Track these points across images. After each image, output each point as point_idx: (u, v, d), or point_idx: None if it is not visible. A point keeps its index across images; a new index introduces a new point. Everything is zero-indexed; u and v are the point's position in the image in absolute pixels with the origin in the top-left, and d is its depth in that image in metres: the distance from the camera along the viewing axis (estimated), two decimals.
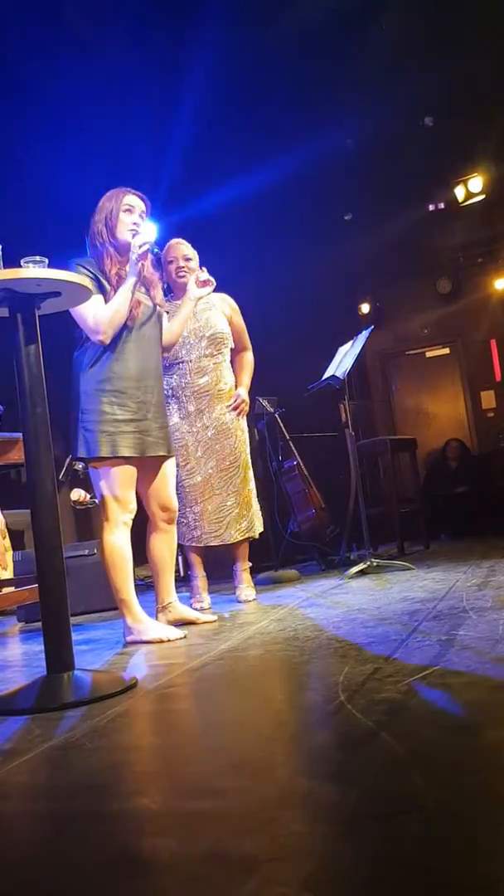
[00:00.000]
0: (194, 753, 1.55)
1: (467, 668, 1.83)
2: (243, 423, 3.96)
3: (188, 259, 3.83)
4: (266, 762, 1.40)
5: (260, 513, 4.00)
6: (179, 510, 3.76)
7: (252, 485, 3.97)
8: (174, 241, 3.91)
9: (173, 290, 3.86)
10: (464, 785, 1.18)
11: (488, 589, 3.10)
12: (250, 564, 4.03)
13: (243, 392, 3.96)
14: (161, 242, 3.53)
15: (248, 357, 4.11)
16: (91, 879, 1.03)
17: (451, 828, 1.04)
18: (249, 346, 4.12)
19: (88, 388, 2.97)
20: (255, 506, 3.96)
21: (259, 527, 3.96)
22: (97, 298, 2.94)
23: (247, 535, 3.90)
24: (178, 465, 3.69)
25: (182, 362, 3.82)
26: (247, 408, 3.98)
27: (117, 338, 3.00)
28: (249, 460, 3.98)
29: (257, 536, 3.98)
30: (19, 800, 1.40)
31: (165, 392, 3.69)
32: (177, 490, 3.69)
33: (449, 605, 2.79)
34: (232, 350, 4.01)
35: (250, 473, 3.97)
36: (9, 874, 1.08)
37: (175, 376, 3.83)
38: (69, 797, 1.36)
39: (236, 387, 3.99)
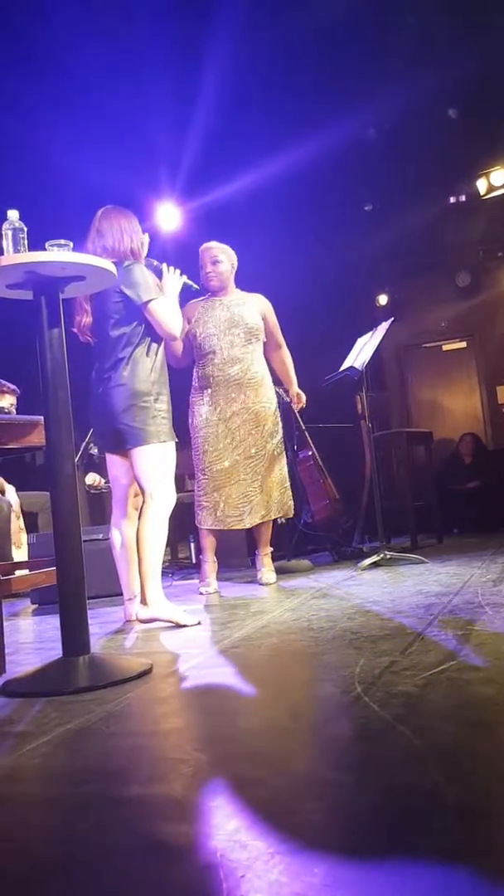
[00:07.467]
0: (210, 741, 1.55)
1: (484, 664, 1.82)
2: (276, 412, 4.07)
3: (215, 262, 4.01)
4: (283, 752, 1.40)
5: (283, 498, 4.07)
6: (199, 495, 3.87)
7: (278, 472, 4.05)
8: (204, 245, 4.09)
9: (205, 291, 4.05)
10: (483, 780, 1.18)
11: None
12: (271, 549, 4.13)
13: (295, 388, 4.35)
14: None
15: (286, 354, 4.31)
16: (110, 865, 1.03)
17: (470, 823, 1.04)
18: (283, 342, 4.28)
19: (159, 381, 3.14)
20: (280, 492, 4.04)
21: (275, 512, 4.03)
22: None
23: (266, 519, 4.00)
24: (205, 451, 3.90)
25: (213, 352, 3.94)
26: (303, 400, 4.41)
27: (160, 340, 3.21)
28: (281, 447, 4.09)
29: (277, 518, 4.10)
30: (36, 784, 1.40)
31: (196, 382, 4.01)
32: (201, 475, 3.86)
33: (464, 600, 2.78)
34: (266, 346, 4.16)
35: (279, 462, 4.06)
36: (25, 859, 1.08)
37: (208, 367, 3.95)
38: (86, 782, 1.36)
39: (279, 384, 4.30)
